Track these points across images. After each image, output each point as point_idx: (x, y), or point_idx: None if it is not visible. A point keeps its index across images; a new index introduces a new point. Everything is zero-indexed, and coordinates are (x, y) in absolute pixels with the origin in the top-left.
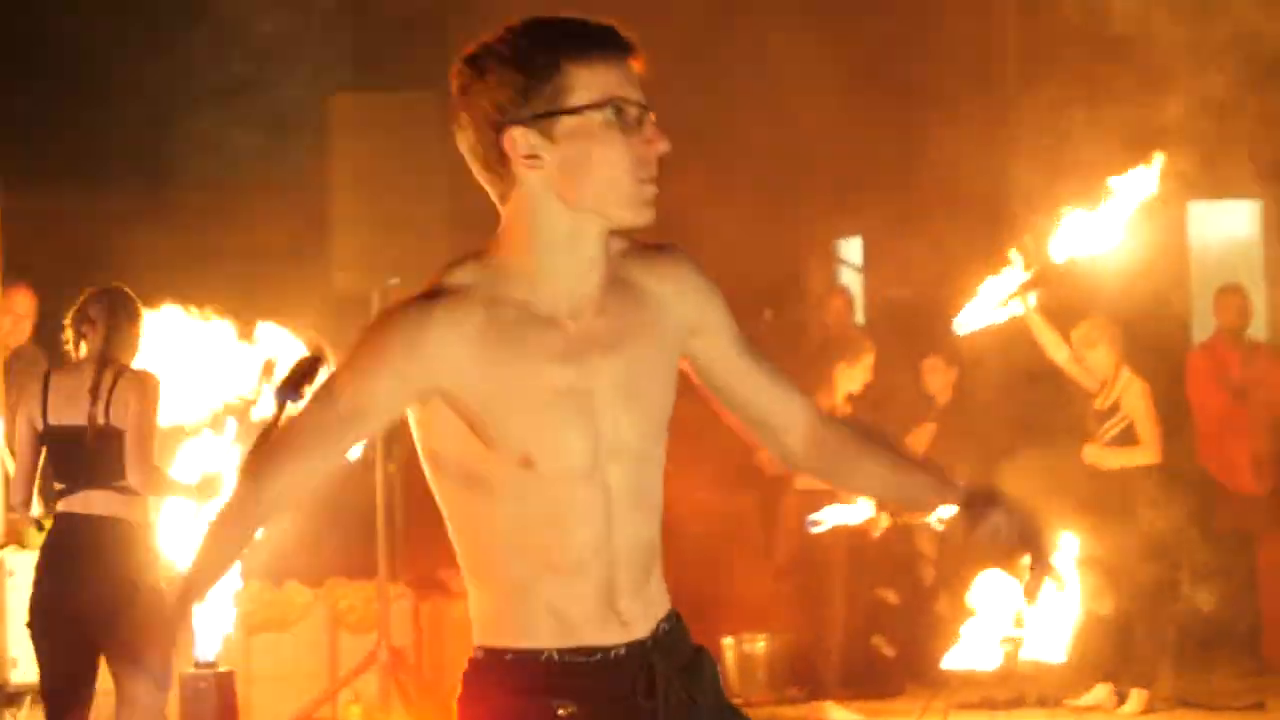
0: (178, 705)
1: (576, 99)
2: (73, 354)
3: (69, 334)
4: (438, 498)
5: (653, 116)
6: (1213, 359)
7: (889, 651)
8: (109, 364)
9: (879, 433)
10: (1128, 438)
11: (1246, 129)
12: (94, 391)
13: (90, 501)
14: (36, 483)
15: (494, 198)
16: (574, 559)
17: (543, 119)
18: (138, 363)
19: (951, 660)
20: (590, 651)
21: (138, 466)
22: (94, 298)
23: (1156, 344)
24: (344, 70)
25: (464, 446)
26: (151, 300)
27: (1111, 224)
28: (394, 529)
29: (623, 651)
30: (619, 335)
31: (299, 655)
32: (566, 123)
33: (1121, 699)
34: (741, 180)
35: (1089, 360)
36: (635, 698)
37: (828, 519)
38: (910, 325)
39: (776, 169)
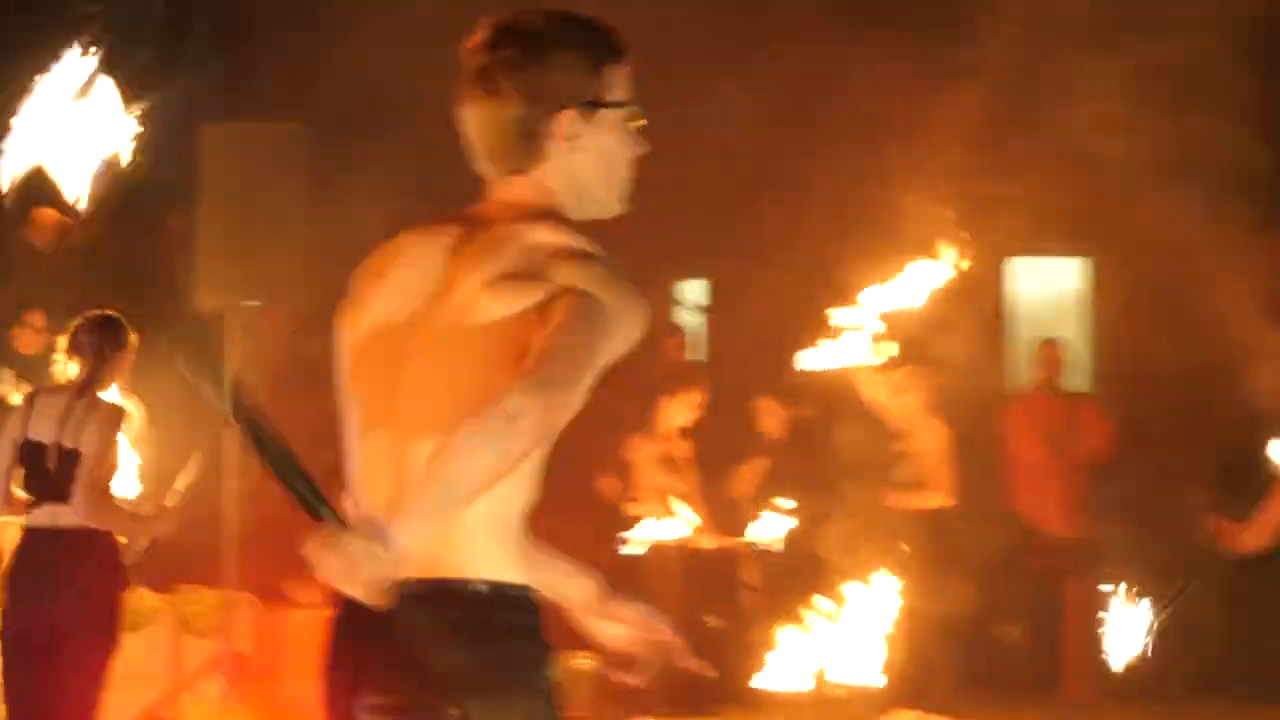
0: None
1: (614, 95)
2: (62, 375)
3: (59, 356)
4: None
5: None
6: (1029, 409)
7: (709, 673)
8: (85, 391)
9: None
10: (922, 480)
11: (1071, 189)
12: (63, 415)
13: (57, 515)
14: (10, 486)
15: (497, 169)
16: None
17: (590, 107)
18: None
19: (764, 681)
20: None
21: (84, 493)
22: (85, 325)
23: (976, 394)
24: (215, 101)
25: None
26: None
27: (933, 281)
28: (240, 538)
29: None
30: None
31: (146, 657)
32: (606, 115)
33: None
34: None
35: (897, 406)
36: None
37: (639, 536)
38: (751, 365)
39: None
